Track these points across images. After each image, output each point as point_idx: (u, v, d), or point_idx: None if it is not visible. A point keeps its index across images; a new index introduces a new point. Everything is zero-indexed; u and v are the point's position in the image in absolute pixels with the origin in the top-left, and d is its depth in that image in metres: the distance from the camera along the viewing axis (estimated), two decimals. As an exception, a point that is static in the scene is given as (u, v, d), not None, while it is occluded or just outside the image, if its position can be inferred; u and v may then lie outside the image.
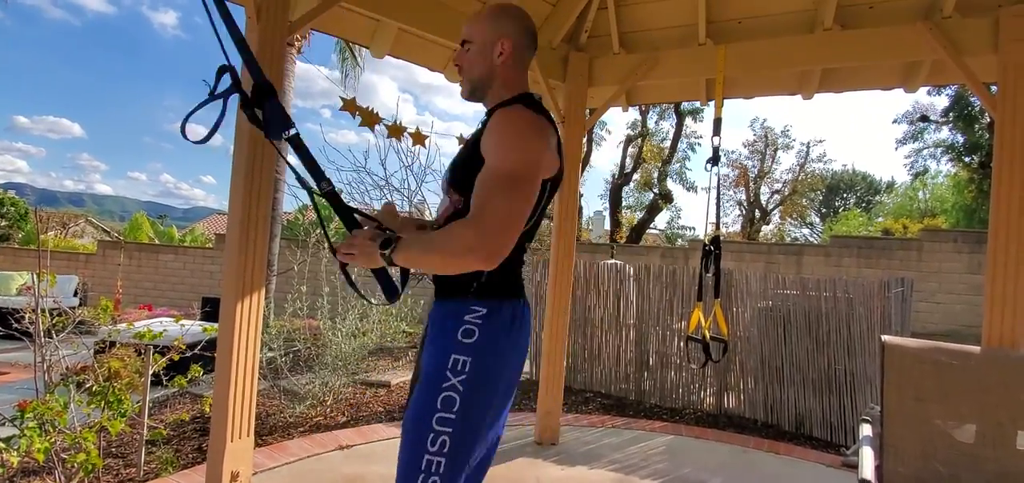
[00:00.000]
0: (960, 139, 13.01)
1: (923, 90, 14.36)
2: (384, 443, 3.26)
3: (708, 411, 4.46)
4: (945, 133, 13.80)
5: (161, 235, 13.88)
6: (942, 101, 13.03)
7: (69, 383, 2.80)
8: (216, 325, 4.29)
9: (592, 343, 4.94)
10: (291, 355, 4.27)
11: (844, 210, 23.19)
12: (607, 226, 16.51)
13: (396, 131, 3.18)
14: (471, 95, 1.40)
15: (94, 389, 2.78)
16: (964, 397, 2.25)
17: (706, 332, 3.01)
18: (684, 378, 4.59)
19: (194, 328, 4.06)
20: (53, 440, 2.44)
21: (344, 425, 3.67)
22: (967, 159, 13.10)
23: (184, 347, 3.07)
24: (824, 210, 24.09)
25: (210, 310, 6.57)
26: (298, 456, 2.96)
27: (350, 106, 2.87)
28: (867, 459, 1.94)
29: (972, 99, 11.92)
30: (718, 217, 3.07)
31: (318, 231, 4.71)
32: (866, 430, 2.25)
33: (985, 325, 2.48)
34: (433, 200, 5.07)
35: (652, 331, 4.71)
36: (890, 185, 23.64)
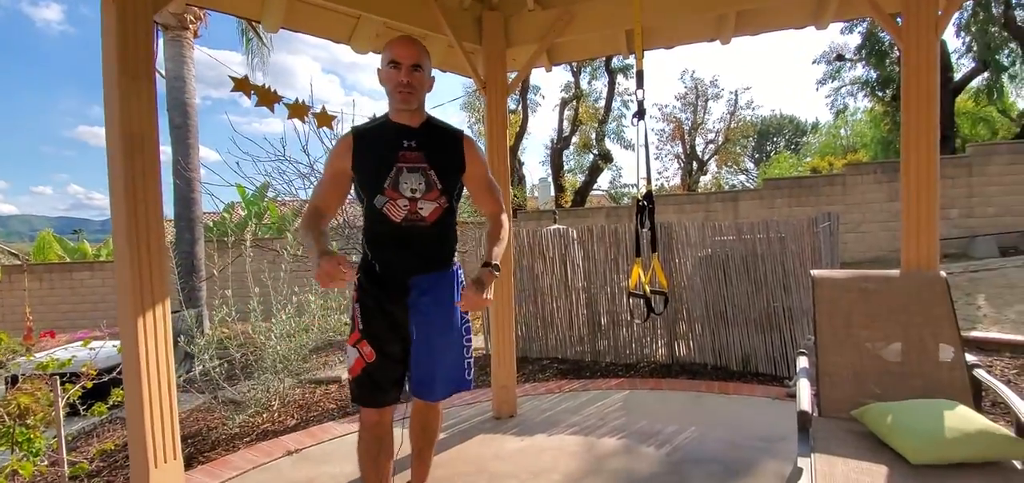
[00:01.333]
0: (874, 75, 13.79)
1: (836, 29, 15.07)
2: (337, 442, 3.12)
3: (661, 362, 4.56)
4: (860, 70, 14.58)
5: (72, 252, 12.80)
6: (855, 39, 13.75)
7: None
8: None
9: (544, 310, 4.93)
10: (226, 363, 4.02)
11: (775, 153, 24.34)
12: (552, 192, 16.58)
13: (298, 111, 2.95)
14: (417, 109, 1.91)
15: (0, 430, 2.50)
16: (889, 319, 2.35)
17: (646, 287, 3.03)
18: (635, 334, 4.67)
19: (107, 349, 3.73)
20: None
21: (294, 428, 3.50)
22: (881, 93, 13.93)
23: (94, 372, 2.79)
24: (756, 155, 25.20)
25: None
26: (242, 469, 2.79)
27: (243, 86, 2.62)
28: (804, 390, 1.99)
29: (882, 34, 12.62)
30: (648, 172, 3.07)
31: (245, 230, 4.40)
32: (802, 362, 2.32)
33: (903, 250, 2.60)
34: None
35: (601, 292, 4.75)
36: (815, 126, 24.94)
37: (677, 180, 20.04)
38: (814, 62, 17.02)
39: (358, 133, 1.93)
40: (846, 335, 2.37)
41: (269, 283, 4.06)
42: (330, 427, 3.40)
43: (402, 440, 2.12)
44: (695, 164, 19.76)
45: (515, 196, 10.37)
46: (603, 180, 19.35)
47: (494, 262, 1.85)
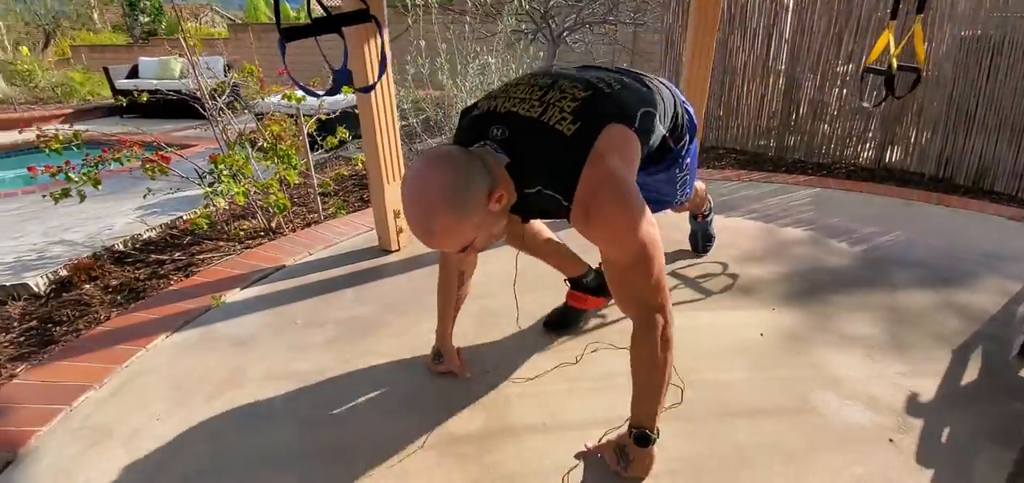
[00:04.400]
0: None
1: None
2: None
3: (864, 166, 4.01)
4: None
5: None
6: None
7: (244, 142, 3.20)
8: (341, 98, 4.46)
9: (730, 95, 4.47)
10: (422, 120, 4.44)
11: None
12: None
13: None
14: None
15: (265, 147, 3.15)
16: None
17: (894, 60, 2.49)
18: (838, 130, 4.08)
19: (326, 99, 4.32)
20: (246, 186, 2.90)
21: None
22: None
23: (324, 110, 3.30)
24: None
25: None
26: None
27: None
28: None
29: None
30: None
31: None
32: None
33: None
34: None
35: (807, 76, 4.10)
36: None
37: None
38: None
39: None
40: None
41: (454, 39, 4.19)
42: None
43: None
44: None
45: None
46: None
47: (648, 431, 1.27)
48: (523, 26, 6.00)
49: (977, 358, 1.75)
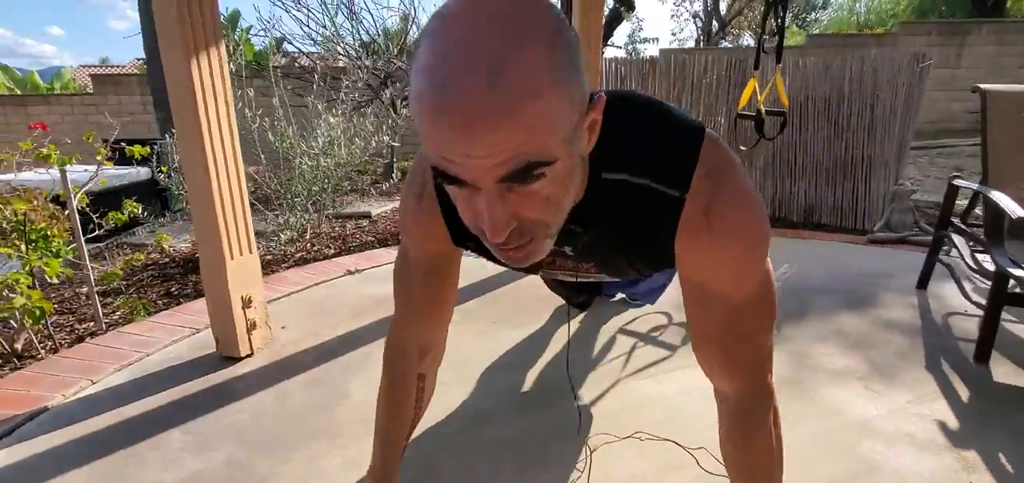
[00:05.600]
0: None
1: None
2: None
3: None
4: None
5: (20, 83, 11.52)
6: None
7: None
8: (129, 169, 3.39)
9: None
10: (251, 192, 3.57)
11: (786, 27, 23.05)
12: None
13: None
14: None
15: (5, 228, 2.06)
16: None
17: (761, 106, 2.63)
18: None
19: (106, 171, 3.22)
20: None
21: (336, 255, 3.16)
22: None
23: (103, 181, 2.32)
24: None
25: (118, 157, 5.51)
26: (304, 284, 2.46)
27: None
28: (1006, 200, 1.71)
29: None
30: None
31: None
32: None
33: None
34: None
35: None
36: (825, 0, 23.65)
37: (691, 43, 18.76)
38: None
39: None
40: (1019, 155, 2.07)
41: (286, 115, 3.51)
42: (377, 254, 3.07)
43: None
44: (715, 23, 18.27)
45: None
46: (620, 35, 17.10)
47: None
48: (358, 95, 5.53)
49: (948, 370, 1.70)
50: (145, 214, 2.91)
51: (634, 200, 0.66)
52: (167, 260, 3.14)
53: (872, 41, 10.32)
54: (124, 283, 2.70)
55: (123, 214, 2.57)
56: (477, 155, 0.46)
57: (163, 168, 3.71)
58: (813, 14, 22.98)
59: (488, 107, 0.43)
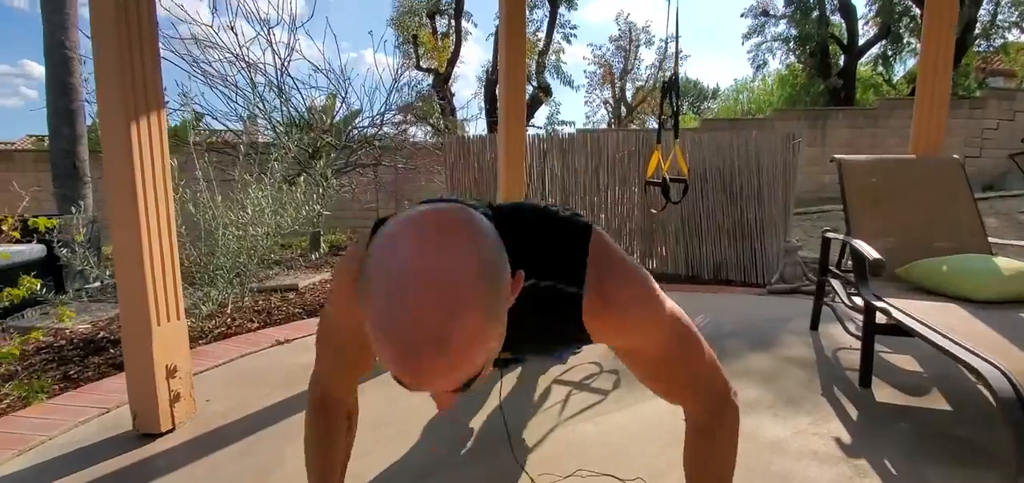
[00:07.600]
0: (794, 32, 14.76)
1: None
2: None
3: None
4: (782, 27, 15.47)
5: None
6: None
7: None
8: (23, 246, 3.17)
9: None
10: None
11: (682, 114, 25.84)
12: (485, 128, 16.06)
13: None
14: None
15: None
16: (912, 194, 2.50)
17: (665, 174, 2.97)
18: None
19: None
20: None
21: (260, 328, 3.04)
22: (798, 53, 15.03)
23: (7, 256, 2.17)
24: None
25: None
26: (231, 357, 2.34)
27: None
28: (864, 246, 2.04)
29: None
30: (677, 51, 2.96)
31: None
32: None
33: (913, 137, 2.76)
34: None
35: (581, 202, 4.66)
36: (715, 91, 26.71)
37: (603, 126, 20.44)
38: (742, 15, 17.60)
39: None
40: (875, 211, 2.48)
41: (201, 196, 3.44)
42: (306, 324, 3.00)
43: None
44: (624, 109, 20.14)
45: (447, 126, 9.86)
46: (540, 117, 18.53)
47: None
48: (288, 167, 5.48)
49: (839, 395, 1.93)
50: (43, 291, 2.66)
51: (543, 301, 0.78)
52: (63, 343, 2.87)
53: (754, 124, 11.90)
54: (18, 366, 2.43)
55: (20, 290, 2.36)
56: (428, 391, 0.59)
57: (77, 238, 3.41)
58: (705, 103, 25.97)
59: (437, 370, 0.55)
